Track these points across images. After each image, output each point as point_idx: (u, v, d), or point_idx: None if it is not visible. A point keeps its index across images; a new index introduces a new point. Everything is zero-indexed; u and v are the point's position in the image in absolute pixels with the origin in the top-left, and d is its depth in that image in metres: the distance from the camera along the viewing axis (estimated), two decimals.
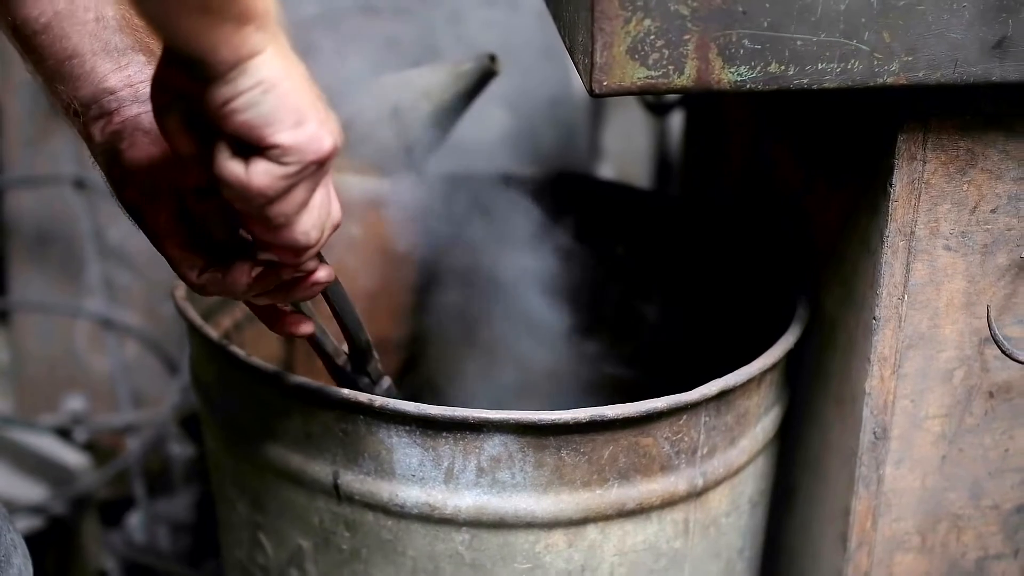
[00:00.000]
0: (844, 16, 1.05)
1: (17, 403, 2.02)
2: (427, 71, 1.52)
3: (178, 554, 1.89)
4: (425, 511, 1.19)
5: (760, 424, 1.29)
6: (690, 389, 1.19)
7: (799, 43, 1.06)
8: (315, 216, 0.90)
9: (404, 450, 1.17)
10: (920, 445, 1.28)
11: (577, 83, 1.88)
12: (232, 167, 0.85)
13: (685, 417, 1.19)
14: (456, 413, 1.15)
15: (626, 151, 2.34)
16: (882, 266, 1.21)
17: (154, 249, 1.00)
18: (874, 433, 1.27)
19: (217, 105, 0.83)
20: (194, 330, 1.28)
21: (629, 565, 1.24)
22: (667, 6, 1.03)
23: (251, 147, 0.85)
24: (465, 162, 1.60)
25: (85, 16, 0.98)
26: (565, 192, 1.60)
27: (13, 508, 1.78)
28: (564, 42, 1.15)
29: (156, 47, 0.98)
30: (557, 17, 1.19)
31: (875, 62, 1.07)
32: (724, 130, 1.59)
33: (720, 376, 1.21)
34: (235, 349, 1.23)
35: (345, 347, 1.20)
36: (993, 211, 1.20)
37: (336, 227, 0.94)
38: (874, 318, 1.23)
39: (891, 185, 1.18)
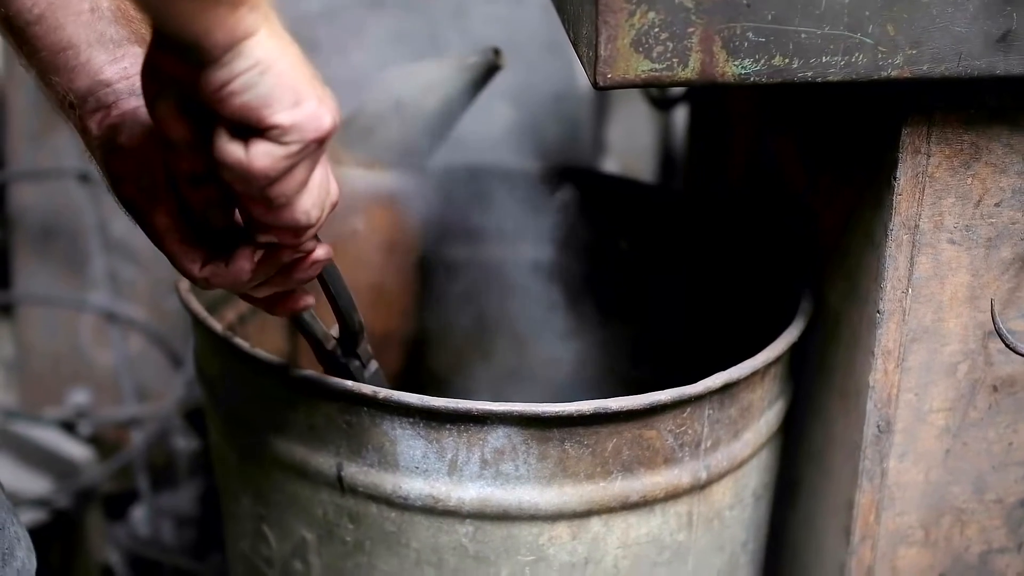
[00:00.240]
0: (848, 9, 1.05)
1: (21, 396, 2.03)
2: (431, 65, 1.52)
3: (182, 547, 1.89)
4: (429, 503, 1.19)
5: (764, 417, 1.29)
6: (694, 382, 1.19)
7: (803, 36, 1.06)
8: (315, 195, 0.90)
9: (408, 442, 1.17)
10: (924, 439, 1.28)
11: (581, 77, 1.88)
12: (232, 150, 0.85)
13: (689, 410, 1.19)
14: (460, 405, 1.15)
15: (630, 146, 2.34)
16: (886, 260, 1.21)
17: None
18: (878, 427, 1.27)
19: (214, 89, 0.82)
20: (198, 323, 1.28)
21: (633, 558, 1.24)
22: None
23: (250, 129, 0.84)
24: (469, 156, 1.60)
25: (80, 6, 0.97)
26: (569, 186, 1.60)
27: (17, 501, 1.78)
28: (568, 35, 1.15)
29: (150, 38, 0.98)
30: (561, 10, 1.19)
31: (879, 55, 1.07)
32: (728, 125, 1.60)
33: (724, 369, 1.21)
34: (239, 342, 1.23)
35: (333, 331, 1.20)
36: (997, 205, 1.20)
37: (334, 206, 0.93)
38: (878, 312, 1.23)
39: (895, 179, 1.18)
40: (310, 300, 1.08)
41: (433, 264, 1.63)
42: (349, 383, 1.17)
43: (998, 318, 1.22)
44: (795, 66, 1.07)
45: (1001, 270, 1.23)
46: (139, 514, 1.90)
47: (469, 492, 1.18)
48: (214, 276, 0.97)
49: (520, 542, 1.20)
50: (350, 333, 1.19)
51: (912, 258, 1.21)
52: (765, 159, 1.48)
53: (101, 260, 1.91)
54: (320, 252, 0.99)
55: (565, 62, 1.89)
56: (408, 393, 1.16)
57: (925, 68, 1.08)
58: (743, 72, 1.06)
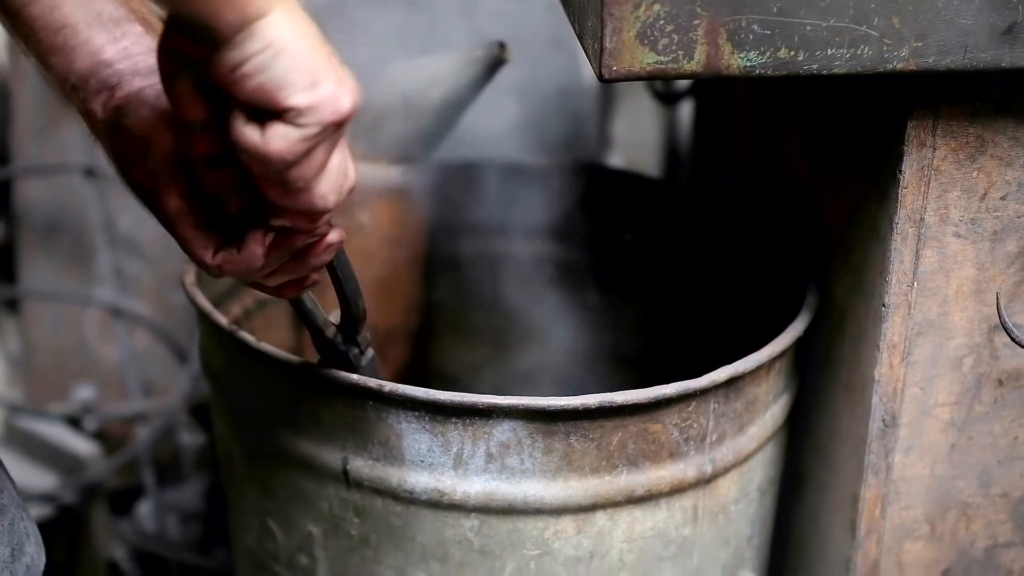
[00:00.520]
0: (854, 1, 1.05)
1: (27, 392, 2.03)
2: (437, 59, 1.52)
3: (188, 543, 1.89)
4: (434, 497, 1.19)
5: (769, 411, 1.29)
6: (699, 376, 1.19)
7: (808, 28, 1.06)
8: (333, 179, 0.88)
9: (413, 436, 1.17)
10: (929, 433, 1.28)
11: (586, 72, 1.88)
12: (248, 133, 0.83)
13: (694, 404, 1.19)
14: (465, 399, 1.15)
15: (635, 140, 2.34)
16: (891, 253, 1.21)
17: (164, 238, 0.96)
18: (883, 421, 1.27)
19: (227, 70, 0.81)
20: (204, 316, 1.28)
21: (638, 552, 1.24)
22: None
23: (266, 112, 0.83)
24: (474, 151, 1.60)
25: None
26: (574, 181, 1.60)
27: (23, 496, 1.77)
28: (573, 27, 1.15)
29: (149, 16, 0.96)
30: (566, 3, 1.19)
31: (884, 48, 1.07)
32: (733, 119, 1.59)
33: (729, 363, 1.21)
34: (245, 335, 1.23)
35: (333, 318, 1.19)
36: (1003, 198, 1.20)
37: (351, 191, 0.91)
38: (883, 305, 1.23)
39: (900, 172, 1.18)
40: (316, 277, 1.06)
41: (438, 259, 1.63)
42: (355, 377, 1.17)
43: (1004, 312, 1.22)
44: (800, 59, 1.07)
45: (1007, 264, 1.23)
46: (145, 509, 1.90)
47: (474, 486, 1.18)
48: (227, 263, 0.94)
49: (525, 536, 1.20)
50: (353, 320, 1.18)
51: (917, 252, 1.21)
52: (770, 153, 1.48)
53: (107, 255, 1.91)
54: (334, 235, 0.97)
55: (570, 57, 1.89)
56: (413, 387, 1.16)
57: (931, 61, 1.08)
58: (748, 64, 1.06)
